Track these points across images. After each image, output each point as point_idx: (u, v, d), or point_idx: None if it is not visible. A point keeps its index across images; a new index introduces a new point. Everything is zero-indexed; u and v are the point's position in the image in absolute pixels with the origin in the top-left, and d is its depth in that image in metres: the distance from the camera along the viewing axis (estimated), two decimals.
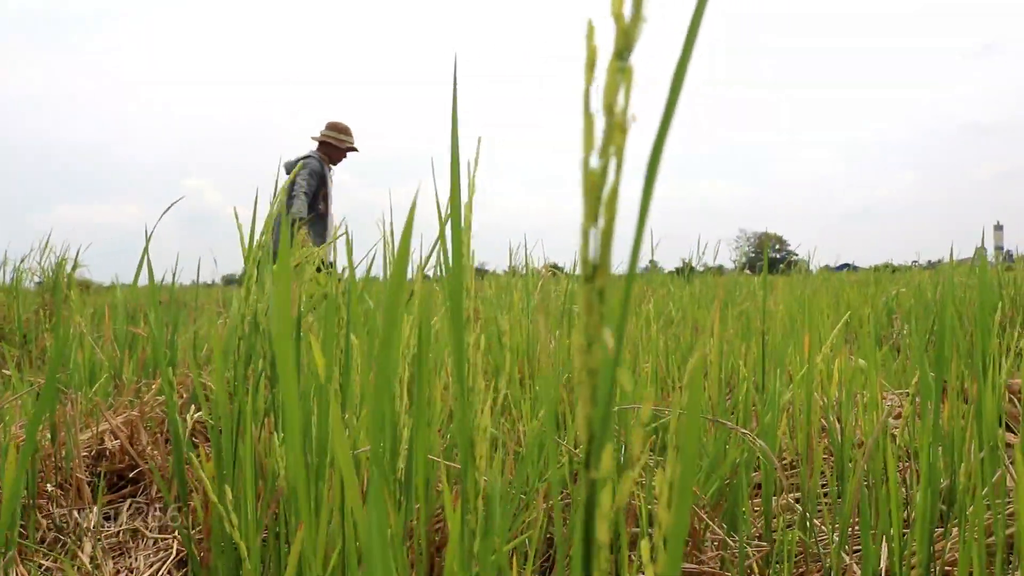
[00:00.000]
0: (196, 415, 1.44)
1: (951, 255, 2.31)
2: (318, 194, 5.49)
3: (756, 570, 1.14)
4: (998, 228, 5.56)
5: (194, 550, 0.96)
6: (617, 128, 0.30)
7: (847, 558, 1.00)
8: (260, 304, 0.96)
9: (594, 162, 0.30)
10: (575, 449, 1.13)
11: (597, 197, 0.29)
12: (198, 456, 0.90)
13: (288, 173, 5.56)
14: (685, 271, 5.16)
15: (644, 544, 0.50)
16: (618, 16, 0.29)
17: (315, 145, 5.72)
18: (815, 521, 1.22)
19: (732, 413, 1.48)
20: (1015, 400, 1.78)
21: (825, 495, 1.45)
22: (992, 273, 2.97)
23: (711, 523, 1.16)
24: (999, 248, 5.45)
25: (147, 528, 1.37)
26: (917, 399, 1.24)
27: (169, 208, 1.56)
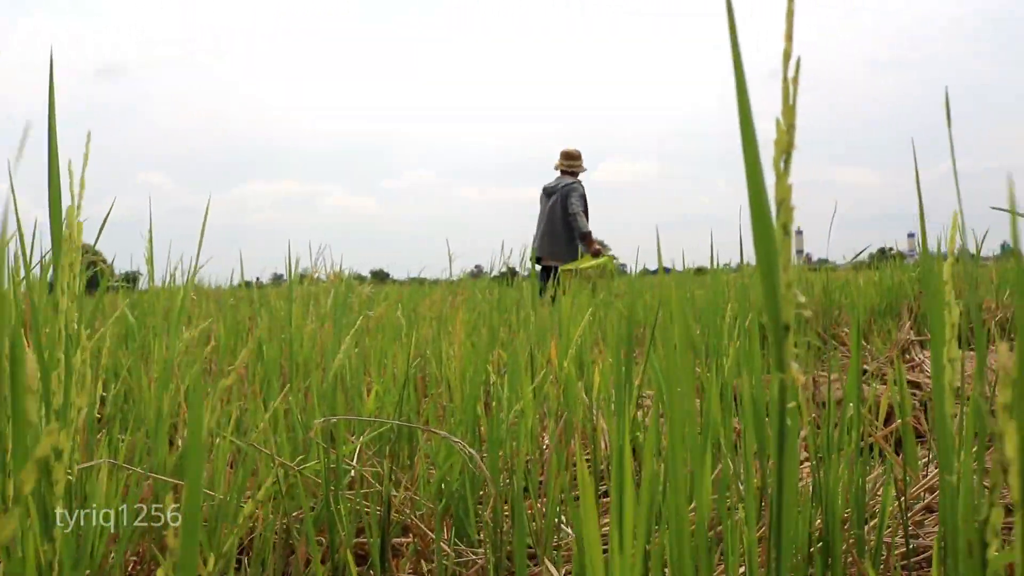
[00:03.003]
0: None
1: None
2: (585, 211, 6.97)
3: None
4: (798, 233, 5.95)
5: None
6: None
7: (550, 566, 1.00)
8: None
9: None
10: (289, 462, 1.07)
11: None
12: None
13: (548, 196, 7.08)
14: (507, 276, 5.23)
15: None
16: None
17: (561, 171, 7.13)
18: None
19: (488, 419, 1.47)
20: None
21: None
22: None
23: (434, 536, 1.15)
24: (799, 251, 5.84)
25: None
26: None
27: None
